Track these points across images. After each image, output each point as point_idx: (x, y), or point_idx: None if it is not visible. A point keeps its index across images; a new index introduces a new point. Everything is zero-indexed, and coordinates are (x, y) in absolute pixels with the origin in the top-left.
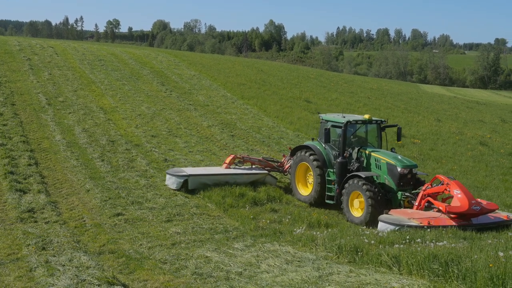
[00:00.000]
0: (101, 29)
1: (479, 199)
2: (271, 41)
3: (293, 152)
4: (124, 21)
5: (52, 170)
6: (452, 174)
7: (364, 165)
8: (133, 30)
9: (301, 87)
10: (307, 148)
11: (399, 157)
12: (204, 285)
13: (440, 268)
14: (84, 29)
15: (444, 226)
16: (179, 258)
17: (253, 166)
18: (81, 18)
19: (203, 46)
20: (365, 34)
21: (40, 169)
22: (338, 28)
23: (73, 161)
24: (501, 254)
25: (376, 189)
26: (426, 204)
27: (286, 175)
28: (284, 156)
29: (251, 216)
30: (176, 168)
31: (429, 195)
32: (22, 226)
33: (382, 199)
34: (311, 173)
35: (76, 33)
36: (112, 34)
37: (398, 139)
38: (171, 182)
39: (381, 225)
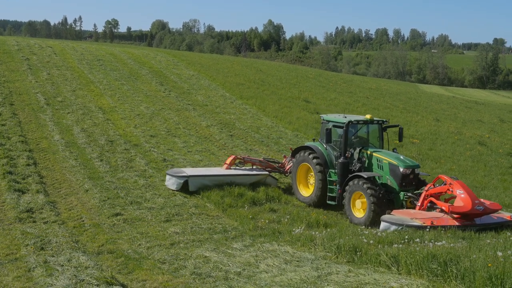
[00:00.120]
0: (100, 29)
1: (482, 199)
2: (270, 41)
3: (294, 153)
4: (122, 21)
5: (51, 170)
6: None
7: (366, 166)
8: (131, 30)
9: (300, 87)
10: (308, 148)
11: (401, 157)
12: (203, 285)
13: (439, 267)
14: (82, 29)
15: (447, 227)
16: (178, 258)
17: (254, 167)
18: (80, 18)
19: (202, 46)
20: (364, 34)
21: (38, 169)
22: (337, 28)
23: (72, 161)
24: (499, 254)
25: (379, 190)
26: (428, 204)
27: (287, 176)
28: (285, 157)
29: (250, 216)
30: (176, 168)
31: (431, 196)
32: (20, 226)
33: (385, 200)
34: (312, 174)
35: (75, 33)
36: (110, 34)
37: (400, 139)
38: (171, 182)
39: (383, 225)
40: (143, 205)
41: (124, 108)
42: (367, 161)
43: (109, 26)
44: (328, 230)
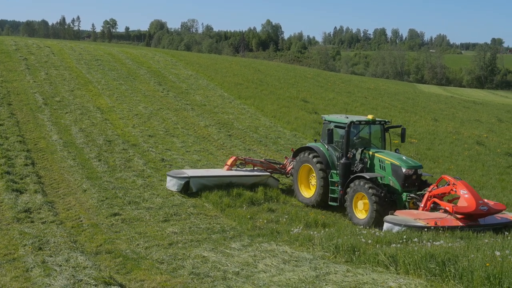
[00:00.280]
0: (98, 29)
1: (486, 200)
2: (268, 41)
3: (296, 154)
4: (121, 21)
5: (49, 170)
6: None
7: (368, 166)
8: (130, 30)
9: (298, 87)
10: (309, 149)
11: (403, 157)
12: (201, 285)
13: (437, 267)
14: (81, 29)
15: (451, 227)
16: (176, 258)
17: (255, 168)
18: (78, 18)
19: (200, 46)
20: (362, 34)
21: (36, 169)
22: (335, 28)
23: (70, 161)
24: (497, 253)
25: (381, 190)
26: (431, 205)
27: (289, 177)
28: (286, 158)
29: (248, 216)
30: (176, 169)
31: (434, 196)
32: (18, 226)
33: (387, 200)
34: (314, 174)
35: (73, 33)
36: (109, 34)
37: (402, 140)
38: (171, 184)
39: (387, 226)
40: (141, 205)
41: (122, 108)
42: (369, 161)
43: (107, 26)
44: (327, 230)
